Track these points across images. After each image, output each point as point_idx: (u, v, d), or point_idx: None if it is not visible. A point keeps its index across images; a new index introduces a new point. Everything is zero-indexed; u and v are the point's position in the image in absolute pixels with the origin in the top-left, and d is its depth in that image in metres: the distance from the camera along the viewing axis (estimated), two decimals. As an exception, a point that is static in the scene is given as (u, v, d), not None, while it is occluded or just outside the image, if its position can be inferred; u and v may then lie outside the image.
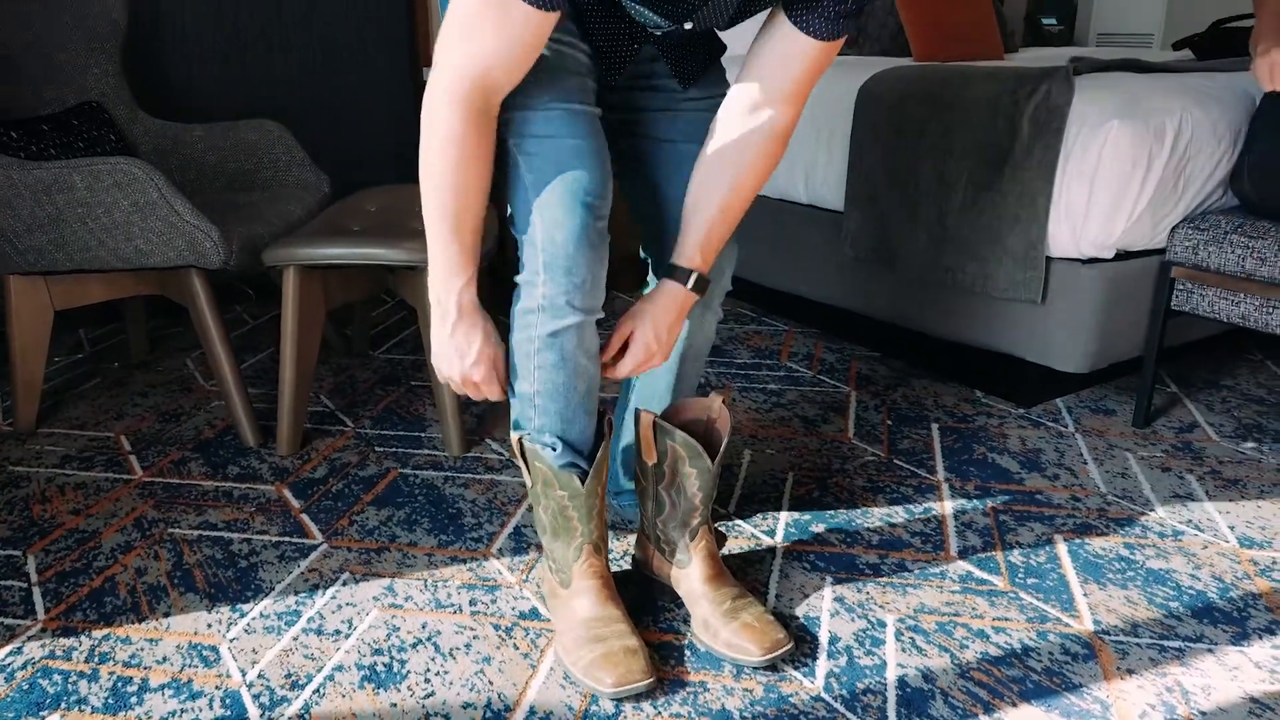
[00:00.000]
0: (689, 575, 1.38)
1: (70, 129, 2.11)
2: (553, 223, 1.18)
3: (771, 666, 1.29)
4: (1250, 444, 1.95)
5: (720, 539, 1.61)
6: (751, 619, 1.31)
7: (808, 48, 1.17)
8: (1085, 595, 1.45)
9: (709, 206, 1.26)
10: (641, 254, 1.49)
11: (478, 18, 1.05)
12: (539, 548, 1.58)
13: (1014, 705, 1.22)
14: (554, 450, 1.28)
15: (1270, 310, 1.77)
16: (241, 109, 2.87)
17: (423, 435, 2.01)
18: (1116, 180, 1.84)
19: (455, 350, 1.22)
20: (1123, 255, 1.97)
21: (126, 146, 2.24)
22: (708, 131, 1.28)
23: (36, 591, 1.47)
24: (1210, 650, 1.32)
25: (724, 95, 1.31)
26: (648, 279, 1.50)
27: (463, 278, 1.18)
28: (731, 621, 1.31)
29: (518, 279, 1.25)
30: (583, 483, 1.29)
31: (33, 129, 2.03)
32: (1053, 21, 4.46)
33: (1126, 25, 4.87)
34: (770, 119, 1.22)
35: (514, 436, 1.33)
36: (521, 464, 1.35)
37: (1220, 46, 2.69)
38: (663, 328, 1.30)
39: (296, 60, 2.91)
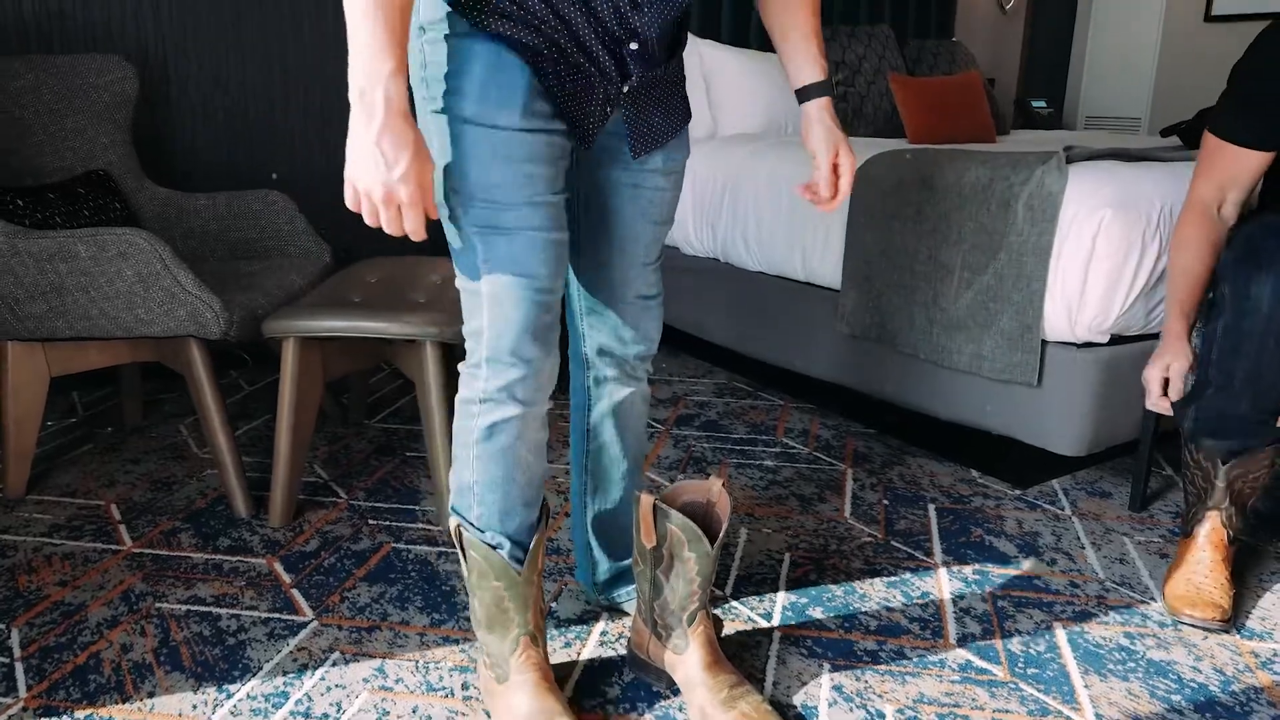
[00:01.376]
0: (686, 661, 1.36)
1: (76, 197, 2.13)
2: (500, 316, 1.18)
3: None
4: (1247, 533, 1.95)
5: (717, 624, 1.59)
6: (749, 708, 1.29)
7: None
8: (1086, 687, 1.43)
9: (800, 22, 1.32)
10: (567, 324, 1.46)
11: None
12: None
13: (1017, 804, 1.19)
14: (493, 546, 1.28)
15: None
16: (245, 175, 2.90)
17: (417, 508, 2.00)
18: (1110, 267, 1.87)
19: (380, 159, 1.02)
20: (1117, 339, 1.98)
21: (131, 215, 2.26)
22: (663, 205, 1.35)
23: (19, 667, 1.44)
24: (1214, 747, 1.30)
25: (684, 161, 1.37)
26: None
27: (389, 63, 1.01)
28: (729, 711, 1.29)
29: (460, 366, 1.26)
30: (519, 573, 1.29)
31: (39, 196, 2.05)
32: (1043, 104, 4.57)
33: (1115, 109, 4.99)
34: None
35: (452, 523, 1.32)
36: (459, 553, 1.33)
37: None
38: (843, 138, 1.34)
39: (299, 128, 2.96)
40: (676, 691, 1.41)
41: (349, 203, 1.06)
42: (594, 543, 1.57)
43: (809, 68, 1.33)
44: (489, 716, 1.34)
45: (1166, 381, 1.73)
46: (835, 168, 1.34)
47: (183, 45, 2.73)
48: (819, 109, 1.33)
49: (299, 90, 2.94)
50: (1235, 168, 1.69)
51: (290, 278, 2.13)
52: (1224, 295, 1.60)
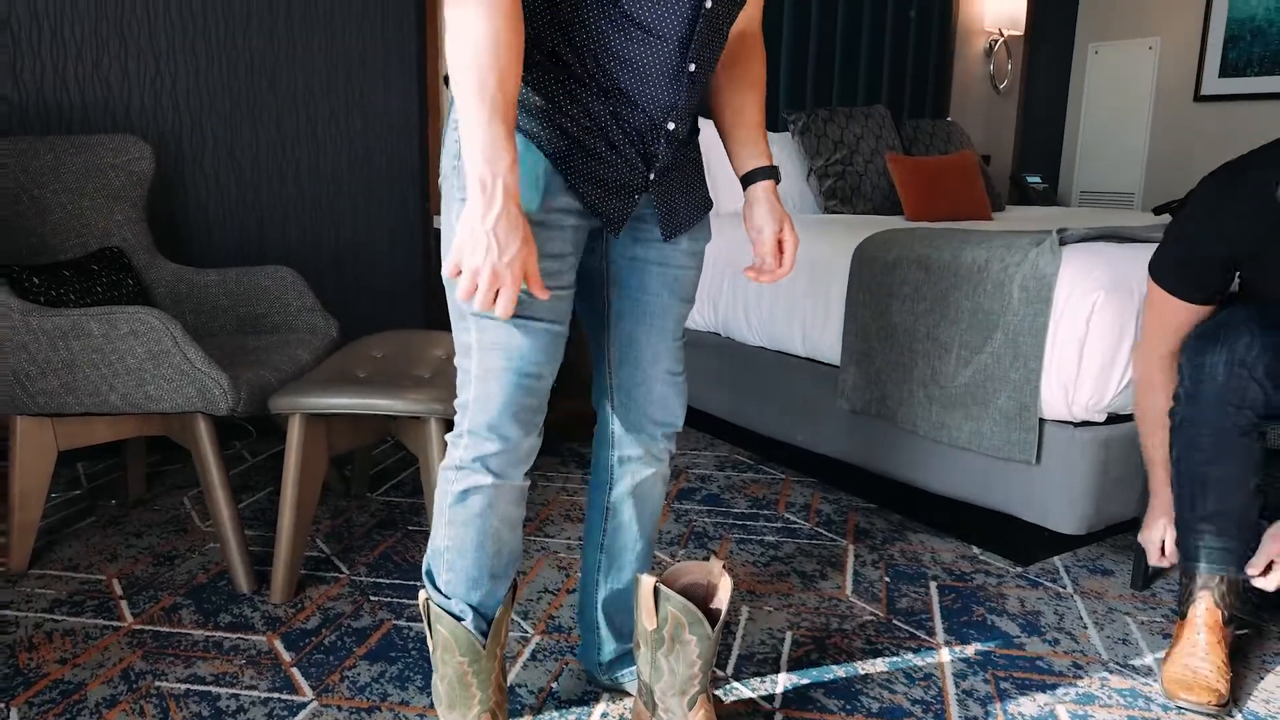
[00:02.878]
0: None
1: (90, 274, 2.17)
2: (485, 394, 1.23)
3: None
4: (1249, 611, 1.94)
5: (718, 705, 1.58)
6: None
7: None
8: (1091, 773, 1.42)
9: (751, 112, 1.41)
10: (594, 403, 1.51)
11: None
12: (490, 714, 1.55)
13: None
14: (457, 617, 1.30)
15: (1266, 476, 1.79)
16: (255, 251, 2.96)
17: (418, 584, 2.00)
18: (1105, 348, 1.90)
19: (494, 243, 1.08)
20: (1115, 418, 2.00)
21: (144, 290, 2.30)
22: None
23: (17, 749, 1.43)
24: (1221, 837, 1.29)
25: (705, 244, 1.42)
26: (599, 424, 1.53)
27: (507, 157, 1.07)
28: None
29: (447, 437, 1.30)
30: (483, 646, 1.31)
31: (54, 274, 2.09)
32: (1037, 180, 4.66)
33: (1108, 185, 5.08)
34: (744, 30, 1.40)
35: (421, 597, 1.35)
36: (426, 626, 1.35)
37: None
38: (786, 219, 1.43)
39: (309, 205, 3.03)
40: (677, 776, 1.39)
41: (448, 273, 1.13)
42: (603, 622, 1.57)
43: (757, 156, 1.42)
44: (488, 802, 1.33)
45: (1164, 542, 1.79)
46: (780, 243, 1.43)
47: (198, 123, 2.81)
48: (765, 190, 1.42)
49: (309, 168, 3.02)
50: (1183, 316, 1.71)
51: (297, 353, 2.17)
52: (1181, 366, 1.66)
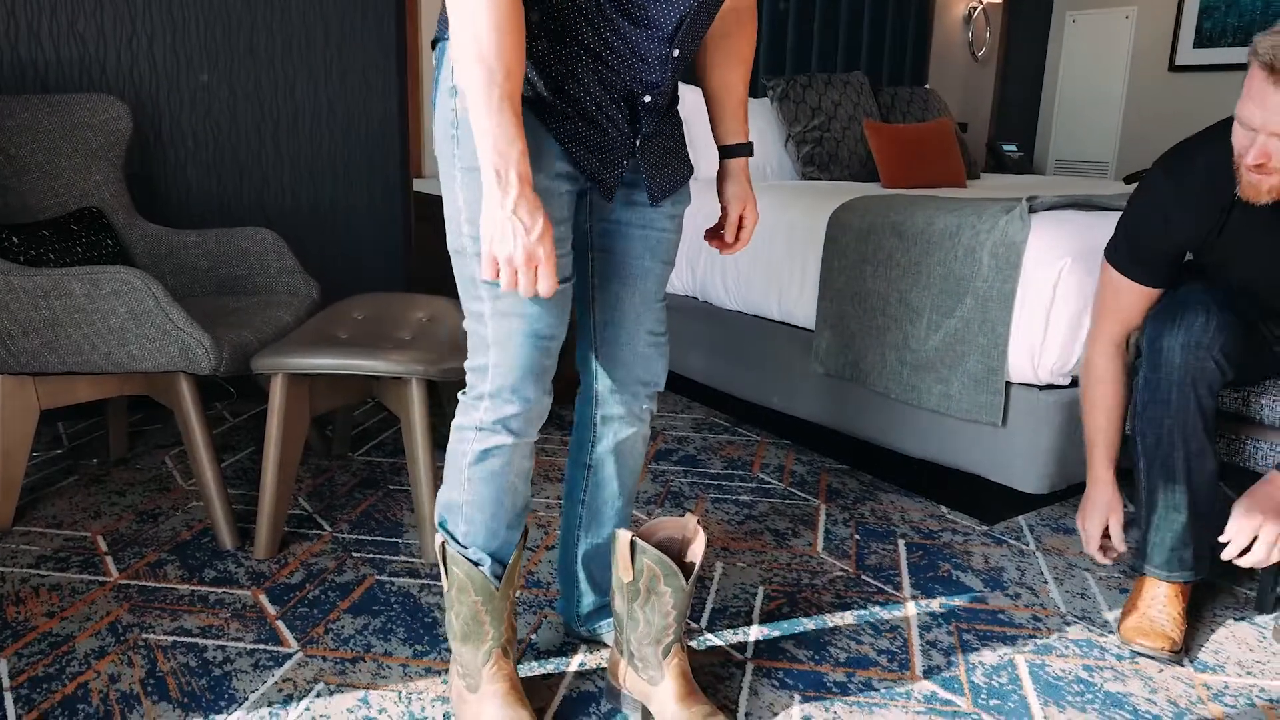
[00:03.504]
0: (661, 693, 1.41)
1: (70, 234, 2.17)
2: (505, 360, 1.28)
3: None
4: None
5: (690, 656, 1.64)
6: None
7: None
8: (1045, 718, 1.49)
9: (737, 88, 1.46)
10: (578, 364, 1.55)
11: None
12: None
13: (976, 830, 1.24)
14: (474, 563, 1.37)
15: (1218, 438, 1.86)
16: (234, 212, 2.96)
17: (400, 541, 2.04)
18: (1070, 314, 1.95)
19: (520, 226, 1.13)
20: (1078, 382, 2.06)
21: (123, 251, 2.30)
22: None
23: (8, 697, 1.47)
24: (1165, 776, 1.36)
25: (685, 209, 1.47)
26: (580, 389, 1.57)
27: (519, 146, 1.12)
28: None
29: (461, 395, 1.35)
30: (497, 588, 1.37)
31: (33, 234, 2.10)
32: (1013, 148, 4.70)
33: (1083, 154, 5.13)
34: (738, 5, 1.42)
35: (437, 539, 1.41)
36: (441, 566, 1.41)
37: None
38: (753, 196, 1.50)
39: (288, 166, 3.02)
40: (652, 722, 1.45)
41: (486, 274, 1.16)
42: (582, 576, 1.63)
43: (737, 131, 1.48)
44: (470, 746, 1.38)
45: (1106, 532, 1.81)
46: (741, 219, 1.51)
47: (175, 83, 2.79)
48: (738, 167, 1.49)
49: (288, 128, 3.01)
50: (1135, 302, 1.75)
51: (278, 314, 2.18)
52: (1141, 349, 1.71)
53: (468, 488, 1.35)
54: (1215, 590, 1.92)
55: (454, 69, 1.21)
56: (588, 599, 1.64)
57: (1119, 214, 2.21)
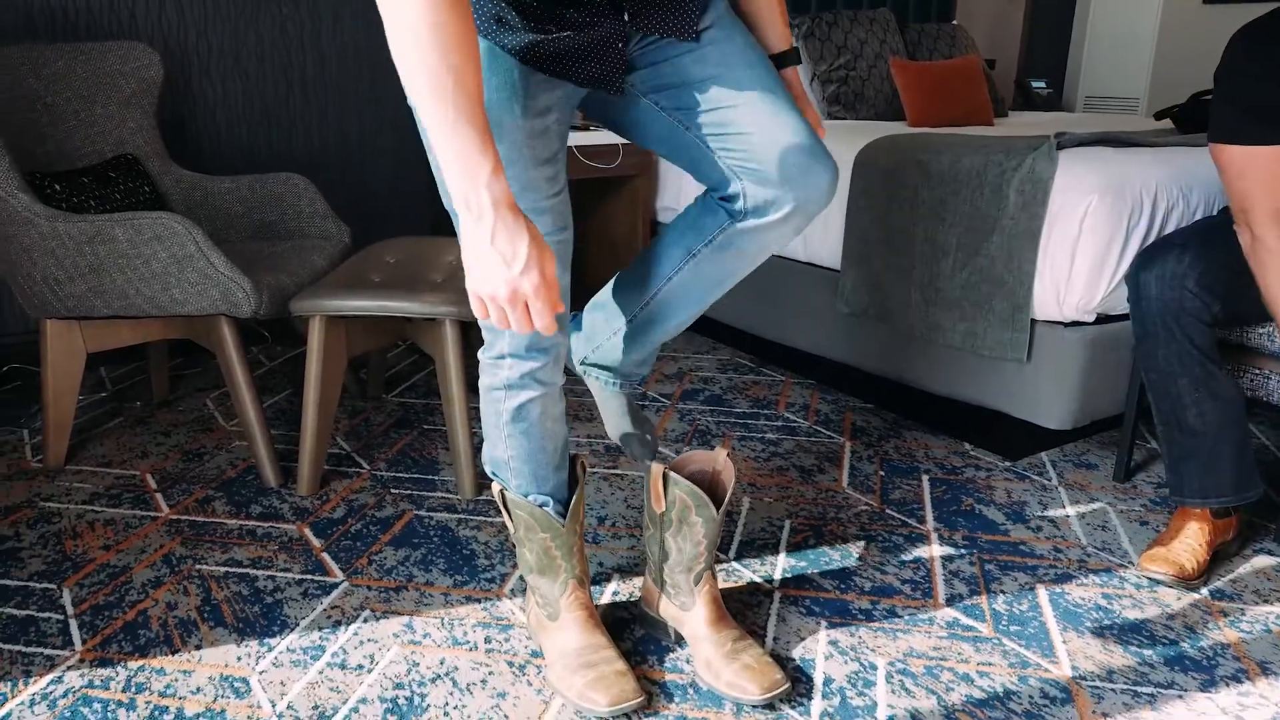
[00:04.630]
0: (693, 618, 1.47)
1: (108, 181, 2.22)
2: None
3: (769, 705, 1.38)
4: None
5: (722, 584, 1.70)
6: (751, 660, 1.40)
7: None
8: (1064, 642, 1.54)
9: None
10: (707, 184, 1.32)
11: None
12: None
13: (996, 745, 1.30)
14: (539, 505, 1.40)
15: (1241, 373, 1.87)
16: (265, 158, 2.99)
17: (436, 478, 2.10)
18: (1096, 250, 1.96)
19: (498, 258, 1.00)
20: (1103, 319, 2.08)
21: (159, 197, 2.35)
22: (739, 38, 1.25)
23: (73, 624, 1.55)
24: (1180, 697, 1.41)
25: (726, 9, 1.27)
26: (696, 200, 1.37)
27: (487, 164, 0.98)
28: (733, 662, 1.40)
29: (481, 355, 1.34)
30: (563, 525, 1.41)
31: (73, 181, 2.14)
32: (1042, 85, 4.63)
33: (1113, 89, 5.05)
34: None
35: (495, 488, 1.45)
36: (504, 512, 1.46)
37: (1199, 117, 2.82)
38: (809, 105, 1.34)
39: (317, 111, 3.04)
40: (683, 644, 1.51)
41: (476, 313, 1.07)
42: (625, 327, 1.46)
43: (780, 37, 1.35)
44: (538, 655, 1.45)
45: None
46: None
47: (203, 29, 2.81)
48: (789, 77, 1.35)
49: (317, 73, 3.02)
50: (1270, 169, 1.59)
51: (313, 258, 2.23)
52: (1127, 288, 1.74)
53: (509, 444, 1.38)
54: (1251, 527, 1.95)
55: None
56: (614, 342, 1.48)
57: (1149, 149, 2.20)
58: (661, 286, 1.40)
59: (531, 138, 1.20)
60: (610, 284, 1.48)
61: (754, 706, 1.37)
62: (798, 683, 1.43)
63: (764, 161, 1.24)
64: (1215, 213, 2.05)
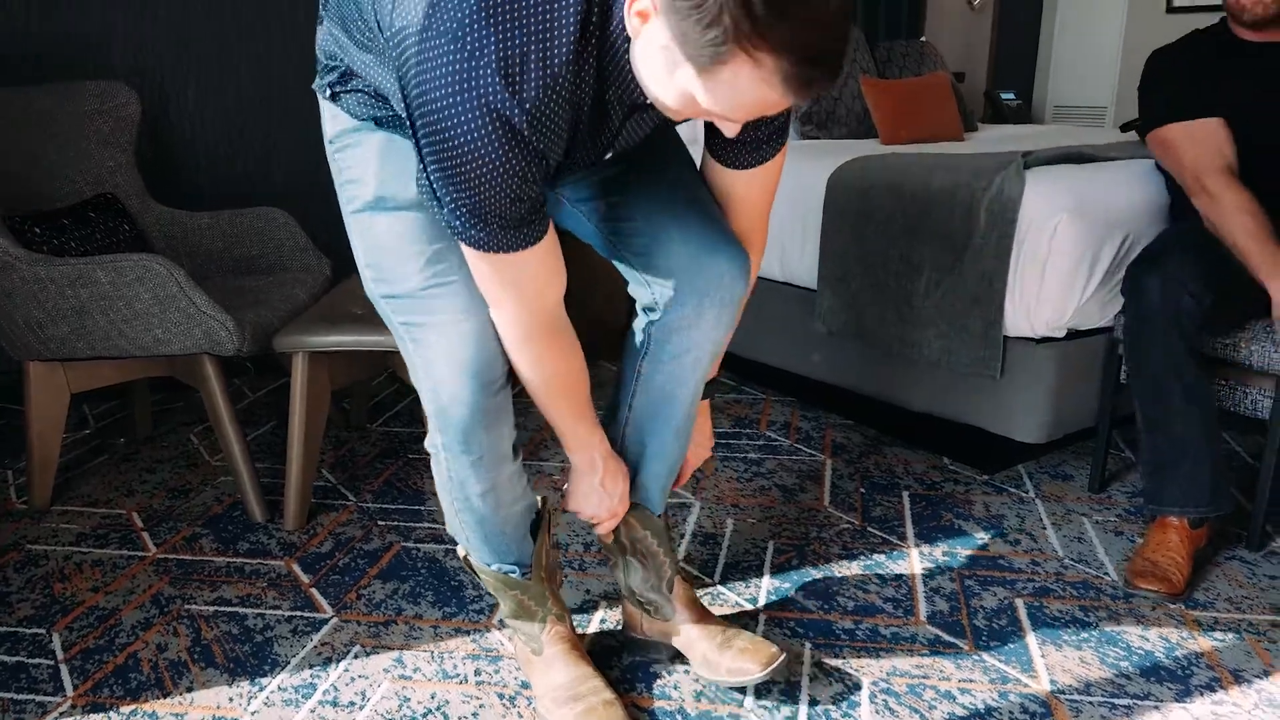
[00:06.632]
0: (678, 624, 1.51)
1: (88, 221, 2.23)
2: (450, 397, 1.22)
3: (772, 681, 1.40)
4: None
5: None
6: (745, 643, 1.45)
7: (740, 181, 1.28)
8: (1043, 656, 1.57)
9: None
10: (632, 293, 1.39)
11: (504, 277, 1.12)
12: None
13: (978, 762, 1.33)
14: (502, 571, 1.41)
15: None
16: (244, 193, 3.00)
17: (422, 509, 2.12)
18: (1065, 268, 2.00)
19: (605, 494, 1.38)
20: (1074, 334, 2.12)
21: (140, 235, 2.36)
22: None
23: (64, 669, 1.56)
24: (1156, 707, 1.45)
25: None
26: (635, 318, 1.42)
27: (596, 437, 1.35)
28: (727, 650, 1.45)
29: (427, 444, 1.33)
30: (531, 581, 1.42)
31: (54, 223, 2.15)
32: (1011, 96, 4.70)
33: (1081, 100, 5.13)
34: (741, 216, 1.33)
35: (460, 551, 1.46)
36: (470, 572, 1.49)
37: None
38: (706, 441, 1.54)
39: (295, 145, 3.06)
40: (672, 671, 1.54)
41: (575, 511, 1.42)
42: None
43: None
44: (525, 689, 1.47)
45: None
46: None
47: (179, 66, 2.83)
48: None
49: (294, 107, 3.04)
50: (1211, 132, 1.85)
51: (294, 292, 2.25)
52: (1124, 292, 1.80)
53: (465, 528, 1.37)
54: (1224, 535, 2.00)
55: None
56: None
57: (1116, 163, 2.25)
58: (626, 415, 1.43)
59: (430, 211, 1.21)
60: None
61: (759, 684, 1.43)
62: (783, 705, 1.46)
63: (657, 260, 1.29)
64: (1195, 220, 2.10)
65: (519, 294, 1.15)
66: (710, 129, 1.23)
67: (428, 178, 1.05)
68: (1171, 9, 4.72)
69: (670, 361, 1.36)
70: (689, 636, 1.50)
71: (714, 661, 1.45)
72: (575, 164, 1.16)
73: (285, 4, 2.98)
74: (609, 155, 1.19)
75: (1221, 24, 1.99)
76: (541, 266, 1.14)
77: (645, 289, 1.33)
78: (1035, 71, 5.28)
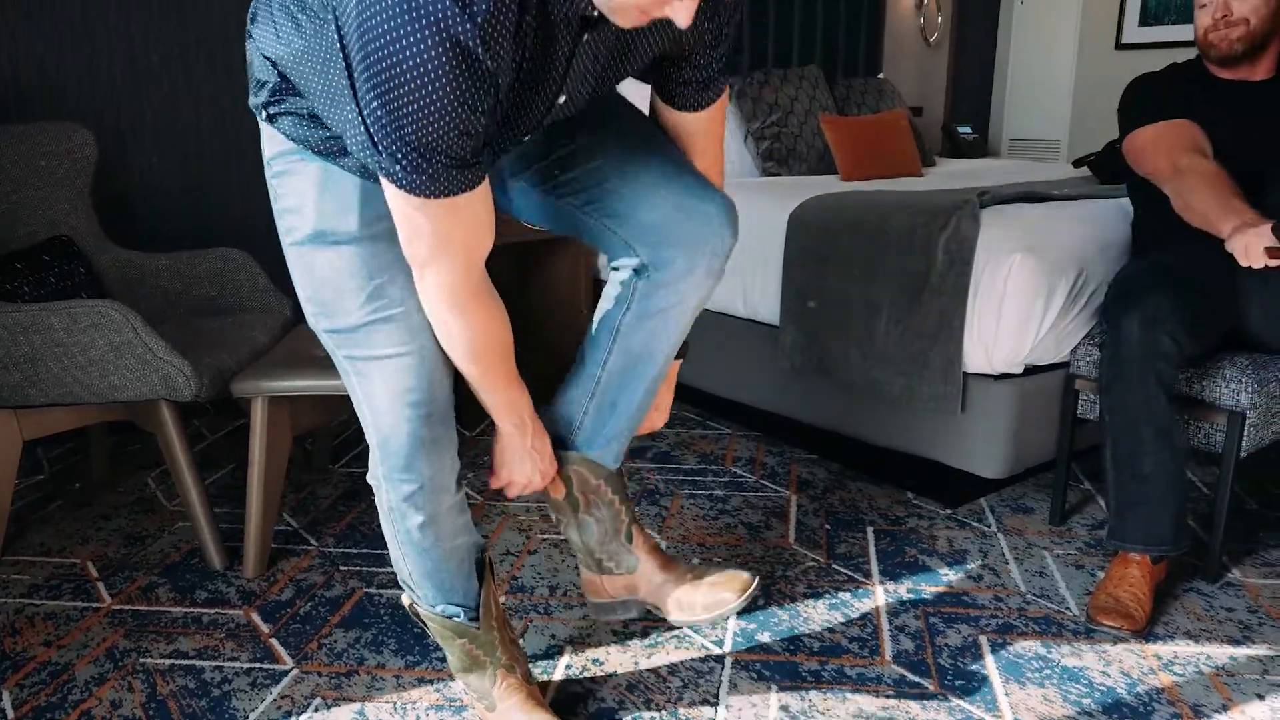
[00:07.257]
0: (644, 574, 1.50)
1: (42, 265, 2.20)
2: (390, 427, 1.25)
3: (753, 604, 1.39)
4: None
5: (670, 651, 1.71)
6: (716, 578, 1.46)
7: (700, 122, 1.31)
8: (1007, 695, 1.58)
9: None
10: (614, 263, 1.36)
11: (439, 230, 1.10)
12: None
13: (944, 806, 1.33)
14: (446, 616, 1.40)
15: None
16: (202, 234, 2.98)
17: (384, 553, 2.09)
18: (1022, 306, 2.04)
19: (534, 454, 1.36)
20: (1032, 370, 2.16)
21: (95, 278, 2.33)
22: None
23: (13, 729, 1.51)
24: (1118, 745, 1.46)
25: None
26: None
27: (525, 399, 1.33)
28: (699, 586, 1.45)
29: (369, 477, 1.34)
30: (478, 628, 1.41)
31: (7, 267, 2.12)
32: (968, 130, 4.80)
33: (1035, 133, 5.24)
34: (691, 133, 1.35)
35: (405, 600, 1.45)
36: (418, 620, 1.46)
37: (1114, 164, 2.96)
38: (666, 406, 1.54)
39: (253, 184, 3.04)
40: (649, 635, 1.53)
41: (498, 485, 1.41)
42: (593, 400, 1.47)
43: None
44: (465, 752, 1.45)
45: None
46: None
47: (137, 107, 2.80)
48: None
49: (251, 147, 3.02)
50: (1180, 129, 1.92)
51: (253, 334, 2.22)
52: (1104, 331, 1.81)
53: (408, 562, 1.36)
54: (1180, 565, 2.03)
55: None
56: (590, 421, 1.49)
57: (1067, 202, 2.30)
58: (599, 374, 1.41)
59: (373, 243, 1.22)
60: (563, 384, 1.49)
61: (738, 614, 1.48)
62: (750, 752, 1.45)
63: (641, 215, 1.28)
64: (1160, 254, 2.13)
65: (450, 250, 1.12)
66: (659, 70, 1.25)
67: (366, 129, 1.02)
68: (1120, 45, 4.85)
69: (656, 315, 1.34)
70: (656, 584, 1.48)
71: (688, 601, 1.44)
72: (530, 113, 1.13)
73: (242, 44, 2.97)
74: (562, 100, 1.14)
75: (1197, 60, 2.06)
76: (481, 212, 1.12)
77: (628, 252, 1.31)
78: (991, 105, 5.39)
